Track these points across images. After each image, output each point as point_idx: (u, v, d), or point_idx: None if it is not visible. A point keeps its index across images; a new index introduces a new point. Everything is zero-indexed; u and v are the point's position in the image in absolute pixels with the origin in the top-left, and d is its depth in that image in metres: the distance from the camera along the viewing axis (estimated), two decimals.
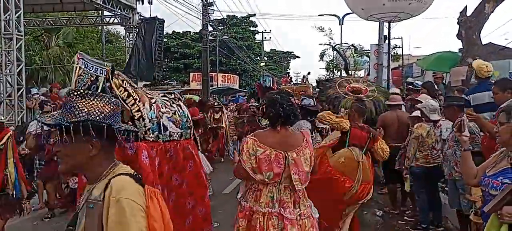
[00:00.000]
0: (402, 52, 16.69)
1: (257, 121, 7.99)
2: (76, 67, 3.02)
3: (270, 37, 40.87)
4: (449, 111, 4.63)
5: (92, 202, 1.55)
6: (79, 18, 19.17)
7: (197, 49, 31.74)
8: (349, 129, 4.27)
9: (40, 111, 9.49)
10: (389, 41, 11.39)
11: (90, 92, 1.68)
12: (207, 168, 5.53)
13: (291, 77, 37.26)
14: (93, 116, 1.58)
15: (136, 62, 15.20)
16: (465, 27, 8.44)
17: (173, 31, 35.04)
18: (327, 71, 33.61)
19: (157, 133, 3.24)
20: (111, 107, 1.64)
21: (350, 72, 9.53)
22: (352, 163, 4.14)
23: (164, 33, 17.79)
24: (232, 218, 3.15)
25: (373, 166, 4.65)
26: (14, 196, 4.46)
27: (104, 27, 22.14)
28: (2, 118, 6.25)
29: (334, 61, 28.67)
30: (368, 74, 14.66)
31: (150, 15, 17.14)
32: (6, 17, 10.66)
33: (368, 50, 16.90)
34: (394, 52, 20.40)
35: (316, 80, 12.73)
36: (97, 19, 18.90)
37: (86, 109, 1.58)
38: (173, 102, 3.63)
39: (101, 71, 3.01)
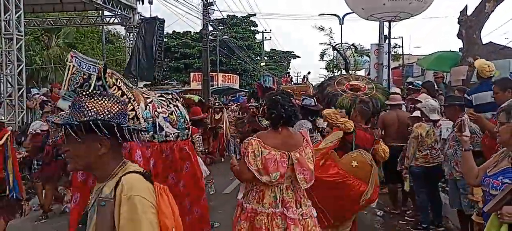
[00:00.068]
0: (403, 52, 16.72)
1: (257, 121, 7.99)
2: (70, 65, 3.03)
3: (270, 37, 40.86)
4: (450, 111, 4.63)
5: (103, 200, 1.57)
6: (80, 18, 19.13)
7: (197, 49, 31.70)
8: (354, 131, 4.22)
9: (41, 112, 9.51)
10: (389, 41, 11.37)
11: (98, 92, 1.71)
12: (204, 171, 5.51)
13: (291, 77, 37.35)
14: (102, 115, 1.60)
15: (137, 62, 15.25)
16: (465, 27, 8.43)
17: (174, 31, 35.01)
18: (328, 71, 33.61)
19: (152, 132, 3.22)
20: (119, 107, 1.67)
21: (350, 71, 9.50)
22: (365, 166, 4.05)
23: (165, 33, 17.85)
24: (232, 218, 3.15)
25: None
26: (14, 196, 4.46)
27: (105, 27, 22.11)
28: (3, 118, 6.25)
29: (335, 60, 28.66)
30: (369, 74, 14.63)
31: (151, 15, 17.09)
32: (6, 17, 10.65)
33: (369, 49, 16.89)
34: (394, 52, 20.41)
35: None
36: (98, 19, 18.87)
37: (95, 109, 1.61)
38: (170, 103, 3.59)
39: (94, 70, 3.03)
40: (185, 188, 3.60)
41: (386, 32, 11.72)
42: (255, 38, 40.36)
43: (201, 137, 5.87)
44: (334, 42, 23.58)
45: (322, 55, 33.54)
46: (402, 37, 21.81)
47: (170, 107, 3.53)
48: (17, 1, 10.72)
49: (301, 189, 2.99)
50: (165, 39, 18.85)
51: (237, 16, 37.30)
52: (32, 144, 6.43)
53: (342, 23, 26.45)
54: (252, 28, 39.46)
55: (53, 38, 23.82)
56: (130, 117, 3.07)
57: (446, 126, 4.91)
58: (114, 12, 16.33)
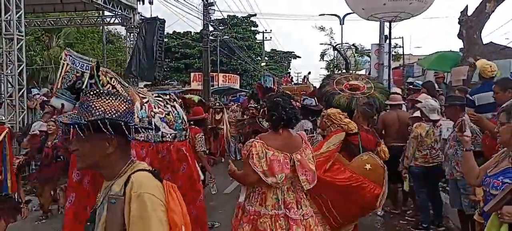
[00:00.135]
0: (403, 52, 16.71)
1: (257, 122, 7.98)
2: (64, 64, 3.04)
3: (270, 37, 40.84)
4: (451, 111, 4.62)
5: (113, 197, 1.59)
6: (80, 18, 19.12)
7: (197, 49, 31.72)
8: (358, 133, 4.19)
9: (41, 112, 9.52)
10: (390, 41, 11.35)
11: (105, 91, 1.73)
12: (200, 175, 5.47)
13: (292, 77, 37.38)
14: (110, 114, 1.62)
15: (137, 63, 15.25)
16: (466, 27, 8.43)
17: (174, 31, 35.03)
18: (328, 71, 33.56)
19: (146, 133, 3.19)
20: (126, 105, 1.69)
21: (350, 71, 9.49)
22: (378, 169, 3.98)
23: (165, 33, 17.86)
24: (233, 218, 3.14)
25: None
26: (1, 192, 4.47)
27: (105, 27, 22.14)
28: (3, 118, 6.26)
29: (335, 61, 28.63)
30: (369, 74, 14.63)
31: (151, 15, 17.08)
32: (7, 18, 10.65)
33: (369, 49, 16.88)
34: (395, 52, 20.38)
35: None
36: (98, 19, 18.87)
37: (102, 108, 1.62)
38: (167, 103, 3.57)
39: (87, 68, 3.03)
40: (181, 189, 3.58)
41: (386, 32, 11.69)
42: (256, 38, 40.37)
43: (203, 136, 5.84)
44: (335, 43, 23.52)
45: (322, 55, 33.46)
46: (402, 37, 21.91)
47: (167, 108, 3.51)
48: (18, 1, 10.72)
49: (301, 190, 3.00)
50: (165, 39, 18.86)
51: (237, 16, 37.31)
52: (30, 145, 6.43)
53: (343, 23, 26.41)
54: (253, 28, 39.47)
55: (54, 39, 23.84)
56: None
57: (446, 126, 4.91)
58: (114, 12, 16.33)
